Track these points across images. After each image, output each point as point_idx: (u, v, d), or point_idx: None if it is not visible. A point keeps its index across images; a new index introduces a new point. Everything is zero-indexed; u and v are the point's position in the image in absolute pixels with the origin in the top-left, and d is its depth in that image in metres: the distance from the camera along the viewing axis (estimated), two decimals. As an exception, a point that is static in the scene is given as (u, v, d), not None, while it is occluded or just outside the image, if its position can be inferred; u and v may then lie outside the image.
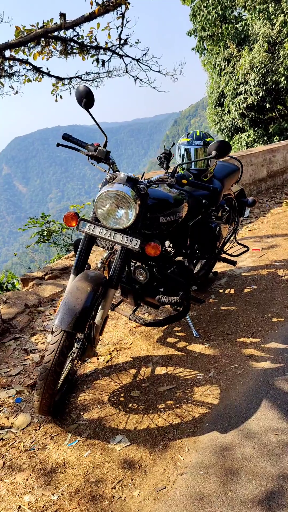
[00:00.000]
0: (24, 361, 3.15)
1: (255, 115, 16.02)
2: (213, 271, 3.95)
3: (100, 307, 2.57)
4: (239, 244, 4.13)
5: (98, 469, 2.16)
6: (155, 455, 2.21)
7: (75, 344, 2.48)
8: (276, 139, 15.74)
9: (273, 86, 14.84)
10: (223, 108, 17.13)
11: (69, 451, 2.30)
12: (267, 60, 14.50)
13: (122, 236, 2.47)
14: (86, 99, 2.58)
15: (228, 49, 16.17)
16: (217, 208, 3.48)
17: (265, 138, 16.26)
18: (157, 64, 10.59)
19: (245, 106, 15.62)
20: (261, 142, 16.31)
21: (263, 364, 2.85)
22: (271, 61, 14.55)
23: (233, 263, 3.92)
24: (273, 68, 14.47)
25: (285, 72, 14.26)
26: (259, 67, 14.55)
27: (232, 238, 4.08)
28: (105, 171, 2.67)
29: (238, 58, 15.76)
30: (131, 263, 2.92)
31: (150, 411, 2.53)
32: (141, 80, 10.97)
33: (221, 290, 4.02)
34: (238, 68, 15.27)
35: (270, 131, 16.12)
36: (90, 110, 2.61)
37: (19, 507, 1.99)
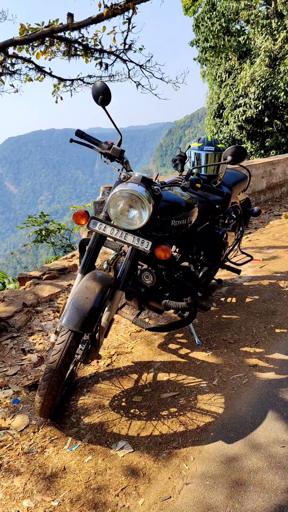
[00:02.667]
0: (22, 361, 3.07)
1: (253, 128, 16.12)
2: (216, 278, 3.90)
3: (106, 308, 2.50)
4: (242, 253, 4.10)
5: (101, 475, 2.09)
6: (159, 463, 2.14)
7: (80, 345, 2.41)
8: (273, 152, 15.85)
9: (272, 100, 14.96)
10: (221, 120, 17.22)
11: (69, 455, 2.22)
12: (267, 74, 14.62)
13: (133, 237, 2.41)
14: (103, 96, 2.53)
15: (229, 61, 16.30)
16: (224, 215, 3.44)
17: (262, 152, 16.37)
18: (160, 72, 10.62)
19: (243, 119, 15.72)
20: (257, 155, 16.41)
21: (267, 375, 2.80)
22: (272, 75, 14.67)
23: (238, 271, 3.88)
24: (273, 83, 14.59)
25: (285, 87, 14.39)
26: (259, 80, 14.66)
27: (236, 246, 4.05)
28: (118, 170, 2.62)
29: (239, 71, 15.87)
30: (138, 266, 2.87)
31: (153, 418, 2.46)
32: (143, 86, 10.98)
33: (222, 299, 3.98)
34: (239, 80, 15.38)
35: (267, 145, 16.23)
36: (106, 107, 2.57)
37: (18, 512, 1.91)
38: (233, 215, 3.54)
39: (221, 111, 17.14)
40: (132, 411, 2.52)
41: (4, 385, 2.80)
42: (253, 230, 6.38)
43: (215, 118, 17.52)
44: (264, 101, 14.92)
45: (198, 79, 19.24)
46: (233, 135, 16.71)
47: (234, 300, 3.93)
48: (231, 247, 3.98)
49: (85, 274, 2.54)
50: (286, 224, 6.63)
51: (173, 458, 2.17)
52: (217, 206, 2.98)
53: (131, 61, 10.35)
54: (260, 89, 14.72)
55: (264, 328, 3.39)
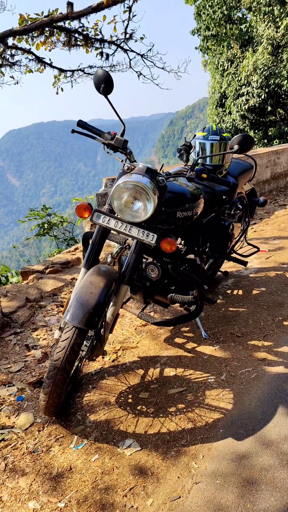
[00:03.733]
0: (26, 358, 3.01)
1: (256, 117, 15.95)
2: (222, 270, 3.83)
3: (111, 303, 2.44)
4: (249, 244, 4.02)
5: (108, 475, 2.03)
6: (168, 462, 2.09)
7: (84, 341, 2.35)
8: (276, 142, 15.69)
9: (275, 89, 14.78)
10: (224, 109, 17.05)
11: (75, 454, 2.17)
12: (270, 62, 14.44)
13: (138, 230, 2.34)
14: (105, 85, 2.46)
15: (231, 50, 16.08)
16: (230, 206, 3.37)
17: (265, 141, 16.21)
18: (162, 61, 10.48)
19: (246, 108, 15.55)
20: (260, 145, 16.26)
21: (277, 369, 2.74)
22: (275, 63, 14.49)
23: (244, 263, 3.81)
24: (276, 71, 14.41)
25: (288, 75, 14.21)
26: (262, 69, 14.48)
27: (242, 238, 3.97)
28: (122, 161, 2.54)
29: (241, 59, 15.67)
30: (143, 259, 2.80)
31: (161, 415, 2.40)
32: (144, 76, 10.85)
33: (228, 291, 3.91)
34: (241, 69, 15.19)
35: (270, 134, 16.06)
36: (108, 96, 2.49)
37: (24, 514, 1.86)
38: (239, 205, 3.46)
39: (223, 100, 16.95)
40: (139, 407, 2.47)
41: (8, 382, 2.75)
42: (258, 221, 6.29)
43: (218, 107, 17.34)
44: (267, 90, 14.74)
45: (200, 68, 19.05)
46: (236, 125, 16.54)
47: (240, 292, 3.86)
48: (237, 238, 3.90)
49: (89, 268, 2.48)
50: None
51: (182, 456, 2.12)
52: (223, 197, 2.91)
53: (132, 51, 10.21)
54: (262, 77, 14.53)
55: (272, 320, 3.32)
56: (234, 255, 3.92)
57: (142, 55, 10.28)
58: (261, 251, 4.73)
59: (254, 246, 4.01)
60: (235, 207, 3.42)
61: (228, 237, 3.29)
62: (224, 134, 3.22)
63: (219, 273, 3.85)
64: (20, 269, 4.70)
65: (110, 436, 2.27)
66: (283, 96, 15.47)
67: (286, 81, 14.28)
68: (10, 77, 10.45)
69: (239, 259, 3.79)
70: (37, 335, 3.29)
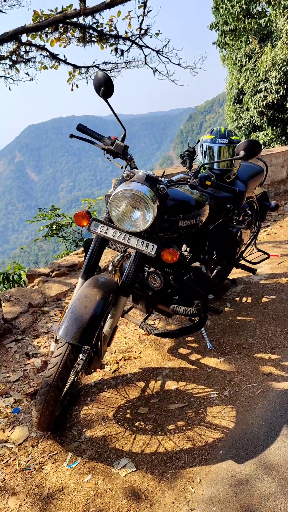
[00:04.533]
0: (25, 366, 2.95)
1: (274, 114, 15.65)
2: (230, 278, 3.71)
3: (109, 315, 2.36)
4: (259, 250, 3.89)
5: (100, 497, 1.95)
6: (163, 485, 2.00)
7: (81, 355, 2.27)
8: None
9: None
10: (241, 105, 16.77)
11: (68, 474, 2.09)
12: None
13: (137, 240, 2.25)
14: (105, 87, 2.36)
15: (250, 45, 15.79)
16: (239, 211, 3.24)
17: (283, 138, 15.91)
18: (177, 57, 10.32)
19: (264, 104, 15.26)
20: (278, 142, 15.97)
21: (283, 385, 2.62)
22: None
23: (253, 271, 3.69)
24: None
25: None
26: (281, 64, 14.17)
27: (252, 243, 3.84)
28: (122, 167, 2.45)
29: (260, 55, 15.37)
30: (145, 268, 2.70)
31: (159, 432, 2.31)
32: (160, 72, 10.71)
33: (237, 299, 3.79)
34: (259, 64, 14.91)
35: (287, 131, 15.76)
36: (108, 99, 2.39)
37: (10, 539, 1.79)
38: (248, 211, 3.33)
39: (241, 96, 16.66)
40: (137, 424, 2.38)
41: (5, 393, 2.68)
42: (271, 223, 6.13)
43: (235, 104, 17.06)
44: (286, 86, 14.42)
45: (218, 63, 18.75)
46: (254, 121, 16.26)
47: (249, 300, 3.74)
48: (246, 244, 3.77)
49: (86, 278, 2.39)
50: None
51: (178, 479, 2.02)
52: (228, 206, 2.80)
53: (147, 47, 10.08)
54: (281, 73, 14.21)
55: (280, 331, 3.19)
56: (242, 262, 3.79)
57: (157, 51, 10.14)
58: (273, 255, 4.59)
59: (264, 253, 3.87)
60: (244, 212, 3.30)
61: (236, 244, 3.17)
62: (233, 137, 3.10)
63: (226, 281, 3.73)
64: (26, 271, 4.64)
65: (105, 455, 2.19)
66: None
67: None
68: (25, 73, 10.43)
69: (248, 267, 3.67)
70: (38, 343, 3.22)
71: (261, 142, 16.13)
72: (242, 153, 2.38)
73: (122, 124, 2.41)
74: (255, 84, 15.44)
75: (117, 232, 2.27)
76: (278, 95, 14.80)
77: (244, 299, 3.76)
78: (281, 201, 7.42)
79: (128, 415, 2.45)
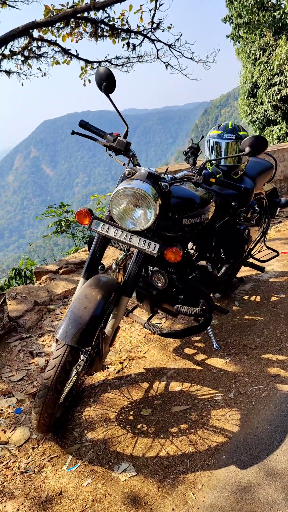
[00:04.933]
0: (29, 365, 2.92)
1: (290, 108, 15.42)
2: (238, 277, 3.64)
3: (111, 315, 2.31)
4: (268, 248, 3.80)
5: (99, 502, 1.91)
6: (163, 491, 1.95)
7: (81, 356, 2.23)
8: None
9: None
10: (255, 99, 16.55)
11: (67, 477, 2.05)
12: None
13: (139, 239, 2.19)
14: (107, 83, 2.31)
15: (264, 38, 15.56)
16: (247, 208, 3.17)
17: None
18: (190, 51, 10.19)
19: (278, 98, 15.04)
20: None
21: (290, 387, 2.55)
22: None
23: (261, 269, 3.61)
24: None
25: None
26: None
27: (261, 241, 3.76)
28: (124, 164, 2.39)
29: (274, 48, 15.14)
30: (149, 267, 2.65)
31: (161, 435, 2.26)
32: (172, 66, 10.59)
33: (245, 297, 3.71)
34: (274, 58, 14.69)
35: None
36: (110, 95, 2.34)
37: None
38: (256, 208, 3.25)
39: (255, 90, 16.43)
40: (139, 426, 2.33)
41: (8, 392, 2.66)
42: (283, 219, 6.02)
43: (249, 98, 16.83)
44: None
45: (233, 56, 18.54)
46: (268, 116, 16.04)
47: (258, 298, 3.66)
48: (254, 242, 3.69)
49: (88, 278, 2.35)
50: None
51: (179, 485, 1.97)
52: (233, 203, 2.72)
53: (160, 41, 9.96)
54: None
55: (289, 332, 3.12)
56: (251, 260, 3.71)
57: (169, 45, 10.02)
58: (283, 252, 4.50)
59: (274, 250, 3.79)
60: (252, 209, 3.22)
61: (243, 242, 3.09)
62: (241, 133, 3.02)
63: (234, 279, 3.66)
64: (35, 268, 4.61)
65: (105, 458, 2.15)
66: None
67: None
68: (38, 69, 10.39)
69: (256, 265, 3.59)
70: (43, 341, 3.19)
71: (275, 136, 15.93)
72: (247, 149, 2.31)
73: (125, 120, 2.35)
74: (269, 78, 15.22)
75: (118, 231, 2.23)
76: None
77: (252, 298, 3.68)
78: (294, 196, 7.29)
79: (130, 417, 2.41)
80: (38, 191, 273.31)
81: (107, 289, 2.15)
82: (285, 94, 14.81)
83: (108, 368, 2.86)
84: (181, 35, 9.96)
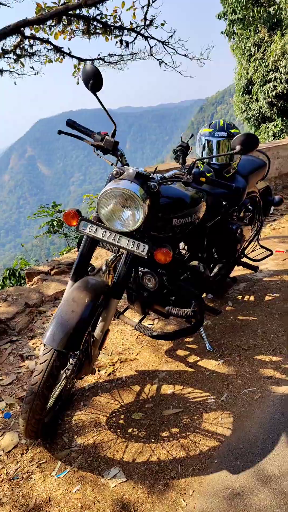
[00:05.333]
0: (19, 369, 2.88)
1: (285, 105, 15.35)
2: (231, 276, 3.59)
3: (100, 318, 2.26)
4: (262, 247, 3.76)
5: (87, 510, 1.87)
6: (153, 497, 1.91)
7: (70, 360, 2.19)
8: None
9: None
10: (250, 96, 16.48)
11: (56, 483, 2.01)
12: None
13: (128, 241, 2.15)
14: (94, 81, 2.26)
15: (259, 34, 15.49)
16: (239, 207, 3.13)
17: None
18: (184, 48, 10.14)
19: (274, 95, 14.98)
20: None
21: (283, 389, 2.51)
22: None
23: (255, 268, 3.57)
24: None
25: None
26: None
27: (254, 239, 3.72)
28: (112, 164, 2.34)
29: (269, 44, 15.06)
30: (139, 268, 2.60)
31: (152, 439, 2.22)
32: (166, 64, 10.55)
33: (239, 297, 3.67)
34: (269, 54, 14.62)
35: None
36: (97, 93, 2.29)
37: None
38: (249, 207, 3.21)
39: (250, 87, 16.34)
40: (129, 430, 2.29)
41: (-3, 397, 2.61)
42: (278, 217, 5.98)
43: (244, 94, 16.75)
44: None
45: (229, 53, 18.44)
46: (263, 112, 15.96)
47: (252, 298, 3.62)
48: (248, 241, 3.65)
49: (76, 280, 2.30)
50: None
51: (170, 491, 1.93)
52: (224, 203, 2.67)
53: (153, 38, 9.92)
54: None
55: (283, 332, 3.08)
56: (244, 259, 3.67)
57: (163, 42, 9.97)
58: (278, 251, 4.46)
59: (267, 249, 3.75)
60: (245, 208, 3.18)
61: (236, 241, 3.05)
62: (233, 130, 2.96)
63: (228, 279, 3.61)
64: (26, 269, 4.56)
65: (95, 463, 2.11)
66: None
67: None
68: (30, 67, 10.31)
69: (249, 264, 3.55)
70: (33, 344, 3.15)
71: (270, 133, 15.88)
72: (238, 147, 2.26)
73: (112, 118, 2.30)
74: (264, 74, 15.16)
75: (106, 232, 2.18)
76: (288, 85, 14.51)
77: (246, 298, 3.64)
78: (283, 198, 7.25)
79: (121, 421, 2.37)
80: (34, 190, 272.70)
81: (95, 291, 2.10)
82: (281, 91, 14.76)
83: (99, 371, 2.82)
84: (175, 31, 9.91)
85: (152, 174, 2.26)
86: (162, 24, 9.55)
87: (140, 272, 2.57)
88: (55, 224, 6.38)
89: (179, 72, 10.63)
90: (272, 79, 14.86)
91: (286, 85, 14.58)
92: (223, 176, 2.97)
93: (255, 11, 14.85)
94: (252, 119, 16.73)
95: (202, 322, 2.53)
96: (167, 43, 9.94)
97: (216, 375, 2.69)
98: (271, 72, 14.85)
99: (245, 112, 16.82)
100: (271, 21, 15.06)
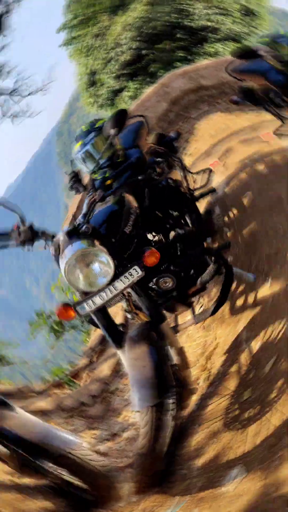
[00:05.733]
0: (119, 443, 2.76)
1: (135, 67, 15.43)
2: (210, 187, 3.59)
3: (167, 347, 2.25)
4: (197, 172, 3.76)
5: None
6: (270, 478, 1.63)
7: (168, 400, 2.08)
8: (161, 72, 14.95)
9: (150, 31, 14.39)
10: (96, 85, 16.59)
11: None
12: (145, 12, 14.20)
13: (121, 280, 2.12)
14: None
15: (98, 24, 15.77)
16: (152, 167, 3.07)
17: (149, 79, 15.62)
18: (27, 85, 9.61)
19: (118, 67, 15.14)
20: (146, 86, 15.64)
21: None
22: (150, 12, 14.26)
23: (213, 190, 3.56)
24: (150, 15, 14.19)
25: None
26: (133, 23, 14.25)
27: (186, 173, 3.65)
28: (45, 247, 2.24)
29: (109, 26, 15.31)
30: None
31: (267, 409, 1.99)
32: (17, 116, 9.98)
33: (226, 218, 3.63)
34: (108, 36, 14.91)
35: (150, 71, 15.45)
36: None
37: None
38: (158, 159, 3.17)
39: (92, 78, 16.38)
40: (246, 415, 2.09)
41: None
42: (186, 144, 5.86)
43: (89, 89, 16.74)
44: (139, 38, 14.38)
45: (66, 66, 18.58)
46: (112, 89, 15.97)
47: (235, 211, 3.59)
48: (186, 181, 3.60)
49: (121, 346, 2.22)
50: (217, 121, 6.06)
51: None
52: (139, 177, 2.63)
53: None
54: (133, 29, 14.19)
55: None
56: (197, 193, 3.62)
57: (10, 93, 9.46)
58: (212, 164, 4.38)
59: (204, 170, 3.71)
60: (156, 164, 3.14)
61: (178, 188, 3.08)
62: (98, 124, 2.89)
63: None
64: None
65: (216, 476, 1.89)
66: (159, 35, 14.91)
67: (159, 22, 13.95)
68: None
69: (205, 191, 3.53)
70: (123, 418, 3.06)
71: (127, 99, 15.83)
72: (112, 131, 2.27)
73: (13, 208, 2.17)
74: (104, 56, 15.33)
75: (102, 294, 2.12)
76: (132, 50, 14.68)
77: (231, 215, 3.59)
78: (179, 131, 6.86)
79: (236, 411, 2.20)
80: None
81: (143, 335, 2.12)
82: (124, 59, 14.93)
83: (198, 384, 2.69)
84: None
85: (76, 221, 2.20)
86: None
87: (153, 286, 2.52)
88: (56, 327, 6.08)
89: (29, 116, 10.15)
90: (113, 55, 15.08)
91: (129, 52, 14.77)
92: (118, 163, 2.91)
93: (97, 4, 15.27)
94: (104, 105, 16.73)
95: (228, 263, 2.60)
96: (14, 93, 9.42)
97: (279, 296, 2.58)
98: (112, 50, 15.08)
99: (96, 102, 16.86)
100: (113, 6, 15.44)
